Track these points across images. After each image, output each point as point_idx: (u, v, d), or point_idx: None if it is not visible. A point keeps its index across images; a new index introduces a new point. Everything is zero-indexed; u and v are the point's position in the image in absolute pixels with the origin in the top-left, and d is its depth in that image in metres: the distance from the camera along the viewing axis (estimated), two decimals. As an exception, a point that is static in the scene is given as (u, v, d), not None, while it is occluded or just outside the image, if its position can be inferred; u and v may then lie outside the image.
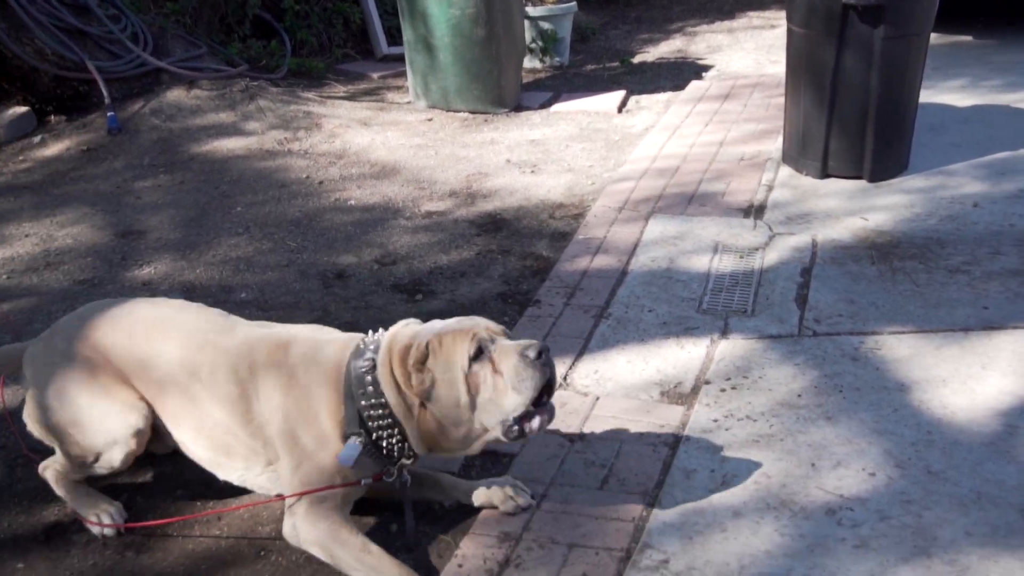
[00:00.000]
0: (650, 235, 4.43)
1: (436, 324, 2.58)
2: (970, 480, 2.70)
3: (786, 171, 5.07)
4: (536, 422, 2.46)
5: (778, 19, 8.98)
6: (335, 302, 4.07)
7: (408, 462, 2.61)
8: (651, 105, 6.71)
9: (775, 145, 5.43)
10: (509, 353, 2.44)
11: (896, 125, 4.78)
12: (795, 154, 5.04)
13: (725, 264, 4.11)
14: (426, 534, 2.68)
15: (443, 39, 6.37)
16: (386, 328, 2.64)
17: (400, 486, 2.62)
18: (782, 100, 5.29)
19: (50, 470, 2.86)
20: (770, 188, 4.88)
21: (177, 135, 6.10)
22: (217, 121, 6.30)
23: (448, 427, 2.52)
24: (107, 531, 2.73)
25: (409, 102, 6.99)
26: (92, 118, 6.31)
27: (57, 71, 6.28)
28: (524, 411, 2.44)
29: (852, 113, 4.73)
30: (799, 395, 3.15)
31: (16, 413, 3.00)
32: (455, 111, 6.71)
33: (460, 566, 2.51)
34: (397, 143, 6.12)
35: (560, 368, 3.40)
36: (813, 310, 3.68)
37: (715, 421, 3.04)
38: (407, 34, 6.61)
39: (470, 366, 2.44)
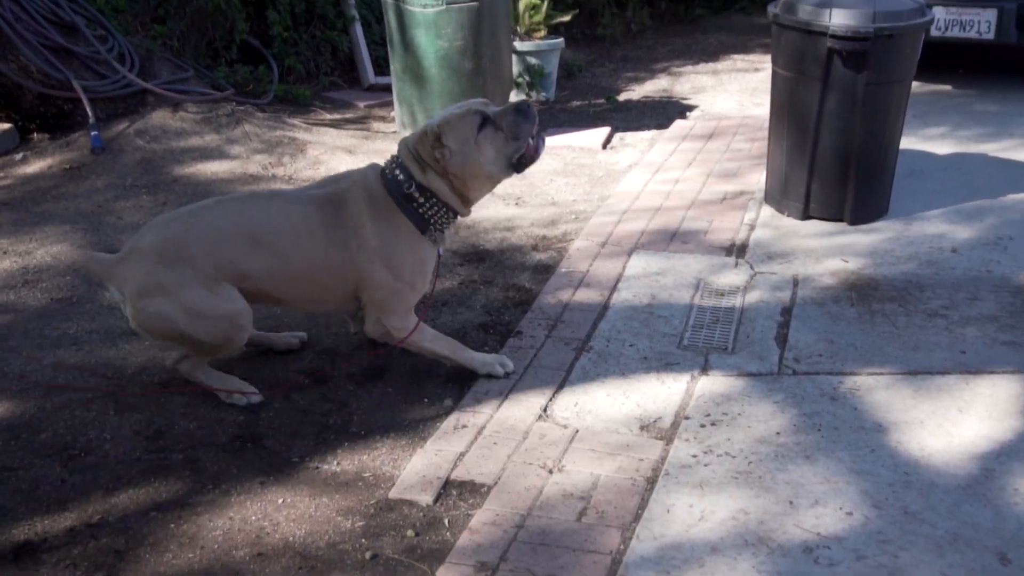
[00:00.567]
0: (632, 270, 4.45)
1: (437, 116, 3.35)
2: (947, 522, 2.71)
3: (768, 211, 5.11)
4: (534, 146, 3.35)
5: (762, 63, 9.10)
6: (316, 327, 4.05)
7: (457, 219, 3.48)
8: (635, 142, 6.76)
9: (758, 185, 5.47)
10: (505, 113, 3.30)
11: (878, 169, 4.84)
12: (777, 195, 5.09)
13: (706, 301, 4.13)
14: (402, 563, 2.66)
15: (431, 70, 6.40)
16: None
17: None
18: (765, 142, 5.35)
19: (185, 363, 3.45)
20: (752, 227, 4.92)
21: (161, 156, 6.08)
22: (202, 144, 6.28)
23: (469, 181, 3.34)
24: (253, 399, 3.43)
25: (395, 131, 7.01)
26: (75, 137, 6.27)
27: (41, 89, 6.24)
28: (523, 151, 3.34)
29: (835, 156, 4.78)
30: (778, 433, 3.16)
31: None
32: (441, 142, 6.72)
33: (435, 596, 2.49)
34: (382, 172, 6.11)
35: (540, 400, 3.43)
36: (793, 349, 3.70)
37: (694, 456, 3.04)
38: (395, 64, 6.64)
39: (478, 134, 3.25)
